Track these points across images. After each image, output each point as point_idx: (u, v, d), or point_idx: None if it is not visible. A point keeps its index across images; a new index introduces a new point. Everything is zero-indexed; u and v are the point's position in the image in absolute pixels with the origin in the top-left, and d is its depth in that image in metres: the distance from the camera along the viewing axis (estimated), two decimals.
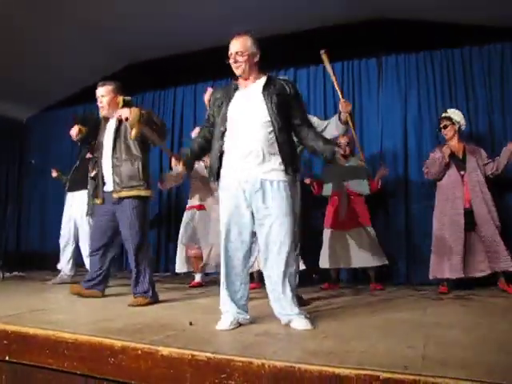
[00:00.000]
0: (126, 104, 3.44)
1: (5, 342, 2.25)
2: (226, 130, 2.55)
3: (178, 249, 4.75)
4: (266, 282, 2.51)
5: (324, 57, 3.15)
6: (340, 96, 3.18)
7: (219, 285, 2.55)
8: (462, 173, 4.05)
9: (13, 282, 4.87)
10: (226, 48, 2.61)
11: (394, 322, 2.57)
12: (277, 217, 2.43)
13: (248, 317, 2.51)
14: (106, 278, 3.64)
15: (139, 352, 1.93)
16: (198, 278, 4.60)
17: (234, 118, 2.54)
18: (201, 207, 4.63)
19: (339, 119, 3.18)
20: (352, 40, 5.40)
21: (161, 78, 6.47)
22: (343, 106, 3.09)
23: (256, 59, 2.59)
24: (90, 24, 5.57)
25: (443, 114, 4.24)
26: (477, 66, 4.84)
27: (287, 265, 2.42)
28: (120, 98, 3.49)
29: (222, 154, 2.56)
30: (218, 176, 2.59)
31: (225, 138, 2.56)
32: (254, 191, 2.45)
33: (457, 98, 4.86)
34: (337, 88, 3.29)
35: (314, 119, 3.34)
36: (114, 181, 3.40)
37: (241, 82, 2.64)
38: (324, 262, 4.40)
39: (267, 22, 5.20)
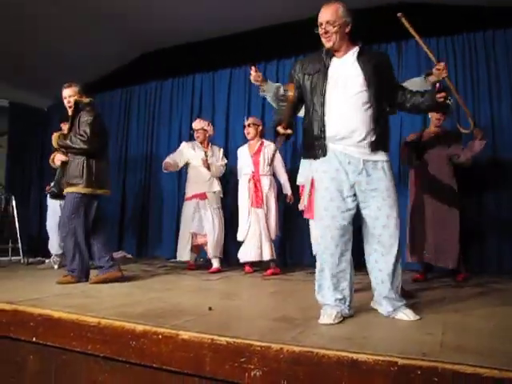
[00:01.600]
0: (84, 105, 3.76)
1: (31, 323, 2.33)
2: (325, 100, 2.36)
3: (183, 237, 4.81)
4: (373, 269, 2.42)
5: (403, 20, 2.82)
6: (433, 58, 2.86)
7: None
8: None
9: (37, 267, 4.99)
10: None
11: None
12: (384, 199, 2.31)
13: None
14: (111, 257, 3.82)
15: (160, 336, 1.97)
16: (216, 264, 4.66)
17: (328, 90, 2.36)
18: (203, 196, 4.74)
19: (424, 78, 2.85)
20: (372, 24, 5.29)
21: (178, 66, 6.46)
22: (438, 72, 2.77)
23: (348, 29, 2.38)
24: (102, 12, 5.55)
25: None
26: (500, 49, 4.70)
27: (398, 254, 2.33)
28: (73, 99, 3.75)
29: (324, 125, 2.36)
30: (326, 151, 2.37)
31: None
32: (357, 173, 2.32)
33: (479, 84, 4.74)
34: (425, 49, 2.91)
35: None
36: (66, 177, 3.77)
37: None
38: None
39: (281, 8, 5.11)
